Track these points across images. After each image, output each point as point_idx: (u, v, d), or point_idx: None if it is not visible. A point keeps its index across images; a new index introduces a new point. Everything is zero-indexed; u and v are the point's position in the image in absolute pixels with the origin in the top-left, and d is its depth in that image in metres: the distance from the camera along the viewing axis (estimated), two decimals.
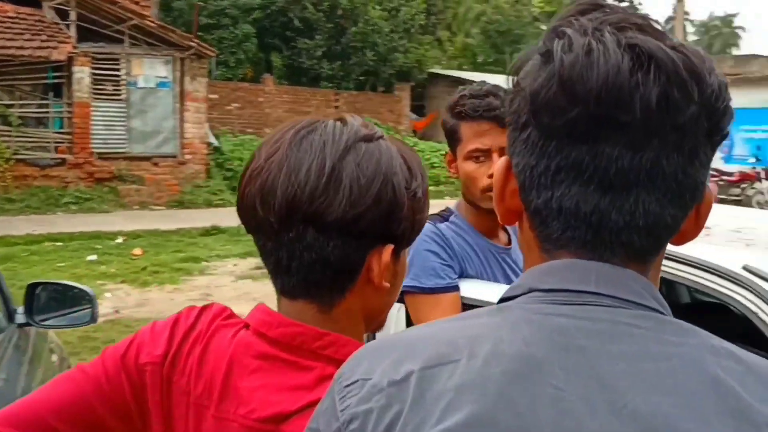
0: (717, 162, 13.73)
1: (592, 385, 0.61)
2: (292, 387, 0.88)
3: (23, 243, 10.45)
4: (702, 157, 0.69)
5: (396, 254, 0.94)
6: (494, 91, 1.74)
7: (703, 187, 0.72)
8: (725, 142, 0.83)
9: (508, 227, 1.89)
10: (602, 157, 0.66)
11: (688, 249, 1.32)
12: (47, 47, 12.76)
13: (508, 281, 1.76)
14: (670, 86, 0.64)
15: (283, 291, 0.94)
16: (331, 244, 0.89)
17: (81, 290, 2.77)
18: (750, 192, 16.20)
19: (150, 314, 7.46)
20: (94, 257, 9.84)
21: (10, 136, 12.77)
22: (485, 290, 1.70)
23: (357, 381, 0.66)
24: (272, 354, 0.90)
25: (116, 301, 7.89)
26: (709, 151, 0.71)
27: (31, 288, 2.67)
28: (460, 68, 24.39)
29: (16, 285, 4.78)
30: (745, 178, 16.66)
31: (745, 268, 1.60)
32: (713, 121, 0.68)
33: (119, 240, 11.03)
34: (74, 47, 13.12)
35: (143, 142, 14.13)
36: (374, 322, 1.01)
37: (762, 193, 15.98)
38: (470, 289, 1.72)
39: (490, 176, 1.69)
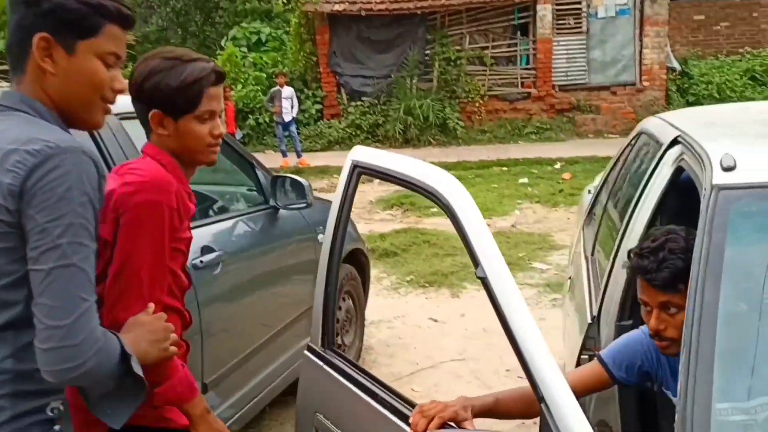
0: None
1: None
2: None
3: (475, 167, 11.99)
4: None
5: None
6: (660, 246, 1.68)
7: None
8: None
9: None
10: None
11: None
12: None
13: None
14: None
15: None
16: None
17: (300, 182, 3.58)
18: None
19: (540, 230, 8.08)
20: (525, 180, 10.76)
21: (484, 74, 14.59)
22: None
23: None
24: None
25: (520, 217, 8.66)
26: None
27: (274, 180, 3.56)
28: None
29: None
30: None
31: None
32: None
33: (557, 166, 11.72)
34: None
35: (602, 72, 14.42)
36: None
37: None
38: None
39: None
